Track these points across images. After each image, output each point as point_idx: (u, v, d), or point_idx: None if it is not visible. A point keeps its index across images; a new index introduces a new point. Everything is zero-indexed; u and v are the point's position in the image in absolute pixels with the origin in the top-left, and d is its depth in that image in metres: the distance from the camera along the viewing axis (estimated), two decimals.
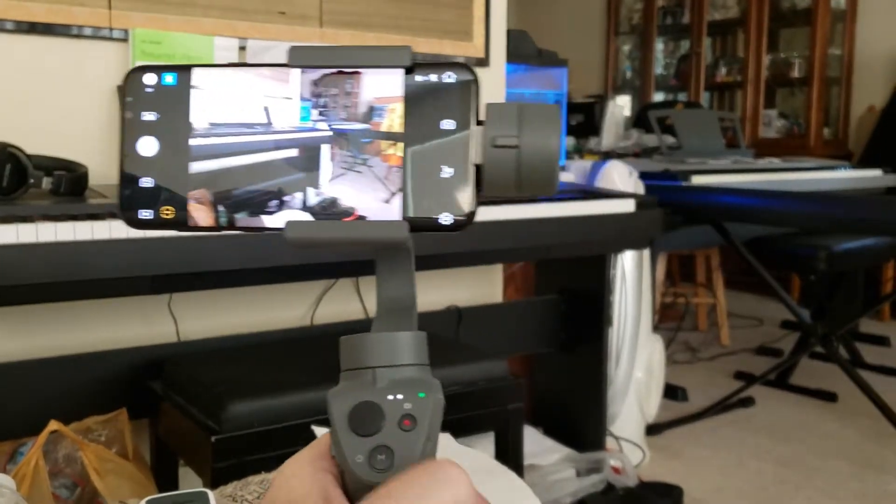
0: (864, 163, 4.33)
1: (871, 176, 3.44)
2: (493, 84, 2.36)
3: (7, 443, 1.58)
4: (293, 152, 0.40)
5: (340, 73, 0.40)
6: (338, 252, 1.50)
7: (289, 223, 0.39)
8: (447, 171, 0.39)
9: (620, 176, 2.48)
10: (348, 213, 0.39)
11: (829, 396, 3.12)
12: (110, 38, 1.76)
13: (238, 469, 1.34)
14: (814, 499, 2.33)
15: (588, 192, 2.15)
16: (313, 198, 0.39)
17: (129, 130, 0.41)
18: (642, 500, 2.17)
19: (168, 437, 1.64)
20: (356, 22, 2.06)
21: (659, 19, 5.68)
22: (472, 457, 1.01)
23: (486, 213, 1.78)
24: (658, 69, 5.79)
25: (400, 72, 0.39)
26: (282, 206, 0.39)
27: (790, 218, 2.55)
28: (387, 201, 0.39)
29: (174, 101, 0.40)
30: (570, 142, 3.45)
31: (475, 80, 0.39)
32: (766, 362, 3.50)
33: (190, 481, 1.68)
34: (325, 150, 0.39)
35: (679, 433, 2.80)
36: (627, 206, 2.05)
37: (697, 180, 2.79)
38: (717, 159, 3.31)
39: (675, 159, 3.18)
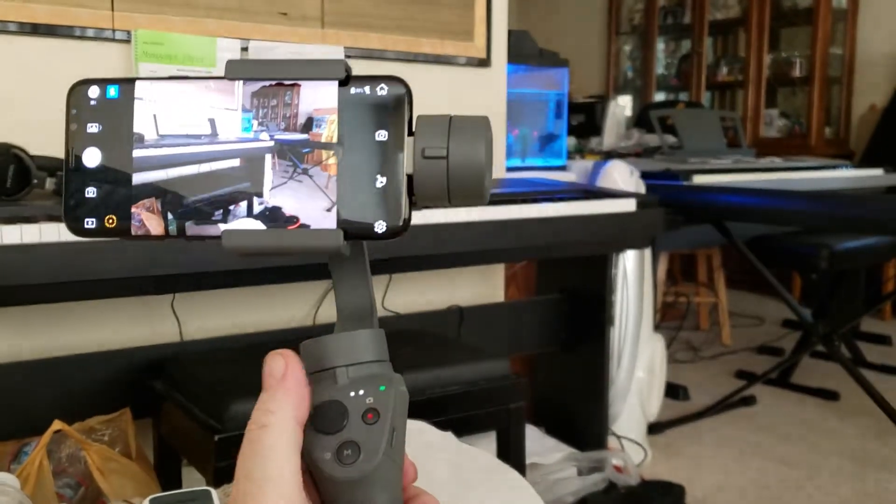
0: (865, 162, 4.34)
1: (873, 175, 3.44)
2: (495, 84, 2.37)
3: (11, 442, 1.59)
4: (237, 162, 0.41)
5: (280, 85, 0.41)
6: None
7: (225, 232, 0.40)
8: (381, 181, 0.40)
9: (622, 176, 2.48)
10: (292, 221, 0.40)
11: (831, 395, 3.12)
12: (113, 40, 1.77)
13: None
14: (815, 497, 2.33)
15: (589, 192, 2.15)
16: (257, 206, 0.40)
17: (74, 142, 0.42)
18: (644, 499, 2.17)
19: (171, 436, 1.65)
20: (358, 23, 2.06)
21: (660, 19, 5.69)
22: (474, 456, 1.01)
23: (488, 213, 1.78)
24: (659, 69, 5.80)
25: (334, 84, 0.40)
26: (228, 214, 0.40)
27: (791, 217, 2.55)
28: (328, 210, 0.40)
29: (117, 114, 0.42)
30: (571, 142, 3.45)
31: (408, 93, 0.40)
32: (768, 361, 3.51)
33: (193, 480, 1.69)
34: (268, 159, 0.40)
35: (681, 432, 2.80)
36: (629, 205, 2.05)
37: (699, 180, 2.80)
38: (718, 159, 3.31)
39: (676, 159, 3.18)
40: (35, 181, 1.45)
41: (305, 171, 0.40)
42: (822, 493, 2.36)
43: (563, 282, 2.41)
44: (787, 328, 4.08)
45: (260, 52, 1.91)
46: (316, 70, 0.40)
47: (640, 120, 4.12)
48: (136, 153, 0.41)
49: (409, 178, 0.40)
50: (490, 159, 0.40)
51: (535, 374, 2.56)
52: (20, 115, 1.70)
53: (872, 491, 2.37)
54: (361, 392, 0.41)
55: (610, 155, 3.19)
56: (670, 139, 3.38)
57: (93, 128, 0.42)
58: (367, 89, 0.40)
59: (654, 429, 2.73)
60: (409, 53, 2.16)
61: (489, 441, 1.76)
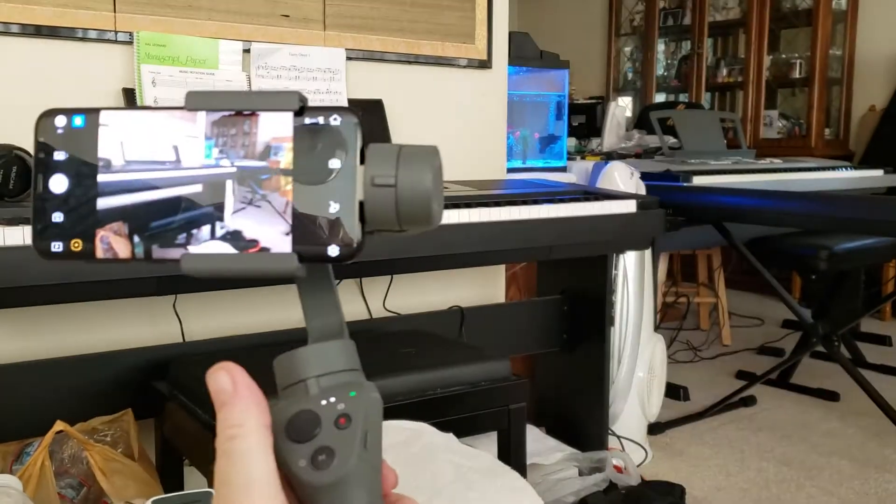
0: (865, 163, 4.34)
1: (873, 176, 3.45)
2: (496, 86, 2.38)
3: (13, 443, 1.60)
4: (200, 188, 0.42)
5: (239, 114, 0.42)
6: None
7: (183, 256, 0.42)
8: (334, 207, 0.41)
9: (622, 177, 2.49)
10: (252, 244, 0.41)
11: (831, 395, 3.12)
12: (115, 41, 1.77)
13: None
14: (815, 497, 2.34)
15: (590, 193, 2.16)
16: (219, 230, 0.42)
17: (41, 168, 0.43)
18: (644, 499, 2.17)
19: (173, 436, 1.65)
20: (359, 25, 2.07)
21: (660, 20, 5.69)
22: (475, 457, 1.02)
23: (489, 215, 1.79)
24: (659, 70, 5.80)
25: (290, 114, 0.42)
26: (191, 238, 0.42)
27: (791, 218, 2.56)
28: (287, 234, 0.41)
29: (83, 141, 0.43)
30: (571, 143, 3.46)
31: (358, 123, 0.42)
32: (768, 361, 3.51)
33: (195, 481, 1.69)
34: (229, 185, 0.42)
35: (681, 432, 2.81)
36: (629, 206, 2.06)
37: (699, 181, 2.80)
38: (718, 160, 3.32)
39: (676, 160, 3.19)
40: None
41: (264, 197, 0.42)
42: (823, 493, 2.36)
43: (564, 282, 2.42)
44: (787, 328, 4.09)
45: (262, 54, 1.91)
46: (271, 102, 0.42)
47: (641, 121, 4.13)
48: (102, 178, 0.43)
49: (361, 204, 0.42)
50: (438, 186, 0.42)
51: (535, 374, 2.57)
52: (23, 117, 1.70)
53: (872, 491, 2.37)
54: (333, 399, 0.42)
55: (610, 156, 3.20)
56: (670, 140, 3.39)
57: (59, 155, 0.43)
58: (320, 119, 0.42)
59: (655, 429, 2.73)
60: (410, 55, 2.17)
61: (490, 441, 1.77)
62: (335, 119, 0.42)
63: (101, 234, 0.42)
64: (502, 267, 2.46)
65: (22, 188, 1.44)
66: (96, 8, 1.74)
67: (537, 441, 2.29)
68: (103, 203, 0.42)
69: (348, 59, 2.04)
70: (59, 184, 0.43)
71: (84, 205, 0.43)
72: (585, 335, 2.36)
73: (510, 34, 2.42)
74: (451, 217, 1.73)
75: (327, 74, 1.98)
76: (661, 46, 5.81)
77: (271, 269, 0.41)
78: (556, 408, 2.50)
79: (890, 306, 4.41)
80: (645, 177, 2.63)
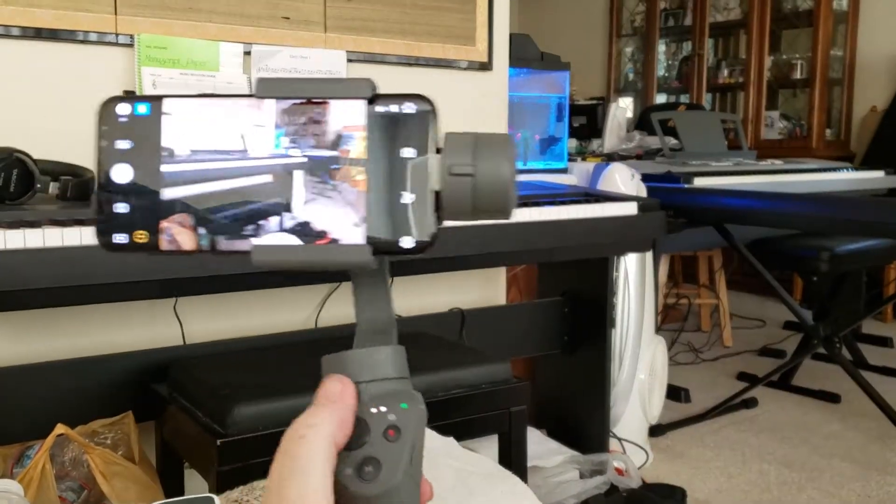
0: (866, 164, 4.34)
1: (874, 177, 3.44)
2: (496, 88, 2.37)
3: (14, 446, 1.59)
4: (268, 178, 0.41)
5: (309, 102, 0.41)
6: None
7: (255, 247, 0.41)
8: (408, 197, 0.40)
9: (623, 178, 2.49)
10: (321, 235, 0.41)
11: (832, 397, 3.12)
12: (116, 44, 1.77)
13: (243, 472, 1.35)
14: (817, 500, 2.33)
15: (591, 195, 2.15)
16: (288, 221, 0.41)
17: (104, 158, 0.42)
18: (646, 502, 2.17)
19: (174, 440, 1.65)
20: (359, 27, 2.07)
21: (661, 21, 5.69)
22: (475, 462, 1.01)
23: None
24: (660, 71, 5.80)
25: (363, 102, 0.41)
26: (259, 229, 0.41)
27: (792, 220, 2.55)
28: (357, 224, 0.41)
29: (147, 130, 0.42)
30: (572, 144, 3.46)
31: (433, 111, 0.41)
32: (769, 363, 3.51)
33: (195, 484, 1.69)
34: (298, 175, 0.41)
35: (682, 434, 2.81)
36: (630, 209, 2.06)
37: (700, 182, 2.80)
38: (719, 161, 3.31)
39: (677, 161, 3.19)
40: (38, 186, 1.45)
41: (335, 187, 0.41)
42: (824, 495, 2.36)
43: (565, 284, 2.42)
44: (789, 330, 4.08)
45: (262, 56, 1.91)
46: (344, 89, 0.41)
47: (641, 122, 4.12)
48: (166, 168, 0.42)
49: (436, 194, 0.41)
50: (514, 175, 0.41)
51: (536, 376, 2.56)
52: (24, 120, 1.70)
53: (874, 493, 2.37)
54: (383, 409, 0.42)
55: (611, 157, 3.20)
56: (671, 141, 3.39)
57: (123, 144, 0.42)
58: (393, 107, 0.41)
59: (656, 431, 2.73)
60: (410, 57, 2.17)
61: (491, 444, 1.77)
62: (409, 107, 0.41)
63: (165, 225, 0.42)
64: (503, 269, 2.46)
65: (22, 191, 1.44)
66: (97, 10, 1.74)
67: (538, 443, 2.29)
68: (168, 193, 0.41)
69: (349, 61, 2.04)
70: (122, 173, 0.42)
71: (148, 195, 0.42)
72: (586, 337, 2.36)
73: (511, 36, 2.41)
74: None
75: (328, 76, 1.98)
76: (661, 47, 5.81)
77: (345, 260, 0.41)
78: (557, 410, 2.50)
79: (891, 308, 4.41)
80: (646, 178, 2.63)
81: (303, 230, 0.41)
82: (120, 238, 0.42)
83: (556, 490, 2.11)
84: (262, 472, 0.93)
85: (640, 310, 2.49)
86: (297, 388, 1.51)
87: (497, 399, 1.68)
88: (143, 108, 0.42)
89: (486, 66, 2.31)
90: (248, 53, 1.91)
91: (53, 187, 1.48)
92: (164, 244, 0.42)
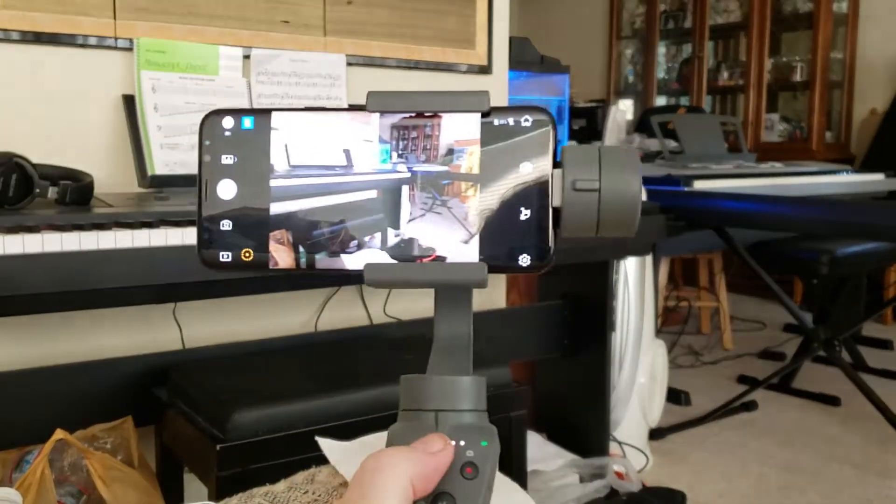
0: (866, 166, 4.34)
1: (874, 180, 3.44)
2: (496, 91, 2.37)
3: (13, 451, 1.59)
4: (373, 194, 0.40)
5: (420, 116, 0.40)
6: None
7: (367, 266, 0.40)
8: (525, 213, 0.39)
9: None
10: (427, 253, 0.40)
11: (832, 400, 3.12)
12: (115, 48, 1.77)
13: (243, 477, 1.35)
14: (816, 503, 2.33)
15: None
16: (392, 238, 0.40)
17: (208, 173, 0.41)
18: None
19: (173, 444, 1.65)
20: (359, 31, 2.07)
21: (661, 23, 5.69)
22: None
23: None
24: (660, 73, 5.80)
25: (477, 116, 0.40)
26: (361, 246, 0.40)
27: (792, 223, 2.55)
28: (466, 242, 0.39)
29: (253, 144, 0.41)
30: None
31: (552, 124, 0.40)
32: (769, 366, 3.51)
33: (195, 489, 1.69)
34: (405, 191, 0.40)
35: (682, 438, 2.80)
36: None
37: (700, 185, 2.80)
38: (719, 164, 3.31)
39: (677, 164, 3.18)
40: (37, 190, 1.45)
41: (444, 203, 0.40)
42: (824, 498, 2.35)
43: (565, 288, 2.41)
44: (789, 333, 4.08)
45: (262, 60, 1.91)
46: (458, 102, 0.40)
47: (641, 124, 4.12)
48: (273, 184, 0.41)
49: (556, 210, 0.39)
50: (642, 192, 0.40)
51: (536, 380, 2.56)
52: (23, 124, 1.70)
53: (874, 497, 2.36)
54: (462, 443, 0.41)
55: None
56: (671, 144, 3.39)
57: (227, 159, 0.41)
58: (510, 120, 0.40)
59: (656, 434, 2.73)
60: (410, 61, 2.17)
61: None
62: (526, 120, 0.40)
63: (270, 242, 0.41)
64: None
65: (22, 196, 1.44)
66: (96, 15, 1.74)
67: (538, 447, 2.29)
68: (275, 210, 0.40)
69: (348, 64, 2.03)
70: (227, 189, 0.41)
71: (255, 212, 0.40)
72: (586, 341, 2.36)
73: (510, 39, 2.41)
74: None
75: (327, 80, 1.98)
76: (661, 49, 5.81)
77: (460, 280, 0.40)
78: (556, 414, 2.50)
79: (891, 310, 4.40)
80: (646, 181, 2.62)
81: (408, 247, 0.40)
82: (225, 256, 0.41)
83: (557, 494, 2.10)
84: (262, 476, 0.93)
85: (640, 313, 2.49)
86: (298, 393, 1.51)
87: (497, 403, 1.68)
88: (248, 123, 0.41)
89: (485, 70, 2.31)
90: (247, 57, 1.91)
91: (52, 192, 1.48)
92: (271, 263, 0.41)
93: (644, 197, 2.51)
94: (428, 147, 0.40)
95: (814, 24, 4.89)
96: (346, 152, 0.40)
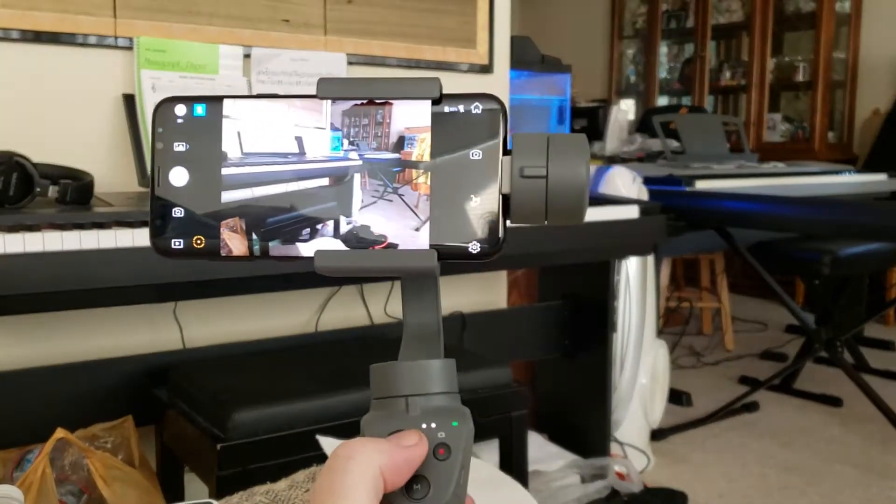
0: (868, 167, 4.33)
1: (876, 180, 3.44)
2: (497, 91, 2.37)
3: (14, 450, 1.59)
4: (325, 181, 0.40)
5: (371, 103, 0.40)
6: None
7: (318, 252, 0.40)
8: (475, 201, 0.39)
9: (624, 181, 2.48)
10: (379, 241, 0.40)
11: (834, 401, 3.11)
12: (115, 47, 1.77)
13: (243, 477, 1.35)
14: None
15: (592, 198, 2.15)
16: (345, 226, 0.40)
17: (160, 161, 0.41)
18: None
19: (174, 444, 1.64)
20: (360, 30, 2.06)
21: (663, 23, 5.69)
22: (475, 468, 1.01)
23: None
24: (662, 73, 5.79)
25: (428, 103, 0.40)
26: (314, 234, 0.40)
27: (794, 223, 2.55)
28: (417, 229, 0.40)
29: (205, 132, 0.41)
30: None
31: (503, 111, 0.40)
32: (771, 367, 3.50)
33: (195, 488, 1.69)
34: (357, 178, 0.40)
35: (683, 438, 2.80)
36: (631, 212, 2.05)
37: (701, 185, 2.79)
38: (721, 164, 3.31)
39: (679, 164, 3.18)
40: (38, 189, 1.45)
41: (395, 191, 0.40)
42: (825, 499, 2.35)
43: (566, 288, 2.41)
44: (791, 334, 4.08)
45: (262, 59, 1.91)
46: (409, 89, 0.40)
47: (643, 124, 4.11)
48: (225, 172, 0.41)
49: (505, 197, 0.39)
50: (589, 177, 0.40)
51: (537, 380, 2.56)
52: (23, 123, 1.70)
53: (875, 498, 2.36)
54: (434, 425, 0.41)
55: (612, 160, 3.19)
56: (673, 144, 3.38)
57: (179, 146, 0.41)
58: (461, 107, 0.40)
59: (657, 435, 2.72)
60: (410, 60, 2.16)
61: (492, 448, 1.76)
62: (476, 107, 0.40)
63: (222, 230, 0.41)
64: (503, 272, 2.45)
65: (22, 195, 1.44)
66: (96, 13, 1.73)
67: (539, 448, 2.29)
68: (227, 197, 0.41)
69: (349, 63, 2.03)
70: (179, 177, 0.41)
71: (207, 199, 0.41)
72: (587, 341, 2.36)
73: (512, 38, 2.41)
74: None
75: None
76: (663, 49, 5.80)
77: (410, 266, 0.40)
78: (558, 414, 2.49)
79: (893, 311, 4.40)
80: (647, 181, 2.62)
81: (360, 234, 0.40)
82: (177, 244, 0.41)
83: (558, 494, 2.10)
84: (262, 476, 0.93)
85: (641, 313, 2.49)
86: (298, 393, 1.51)
87: (498, 403, 1.68)
88: (200, 110, 0.41)
89: (486, 69, 2.31)
90: (247, 56, 1.90)
91: (53, 191, 1.48)
92: (222, 250, 0.41)
93: (646, 196, 2.51)
94: (379, 134, 0.40)
95: (816, 23, 4.89)
96: (299, 139, 0.41)
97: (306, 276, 1.63)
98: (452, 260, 0.40)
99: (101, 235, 1.37)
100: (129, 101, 1.76)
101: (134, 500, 1.49)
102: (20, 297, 1.35)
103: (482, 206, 0.39)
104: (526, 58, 2.66)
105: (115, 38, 1.76)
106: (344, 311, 2.10)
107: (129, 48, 1.78)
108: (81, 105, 1.76)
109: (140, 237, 1.39)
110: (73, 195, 1.50)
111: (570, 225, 0.40)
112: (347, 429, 1.45)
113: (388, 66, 2.13)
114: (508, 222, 0.40)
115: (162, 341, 1.85)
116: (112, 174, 1.78)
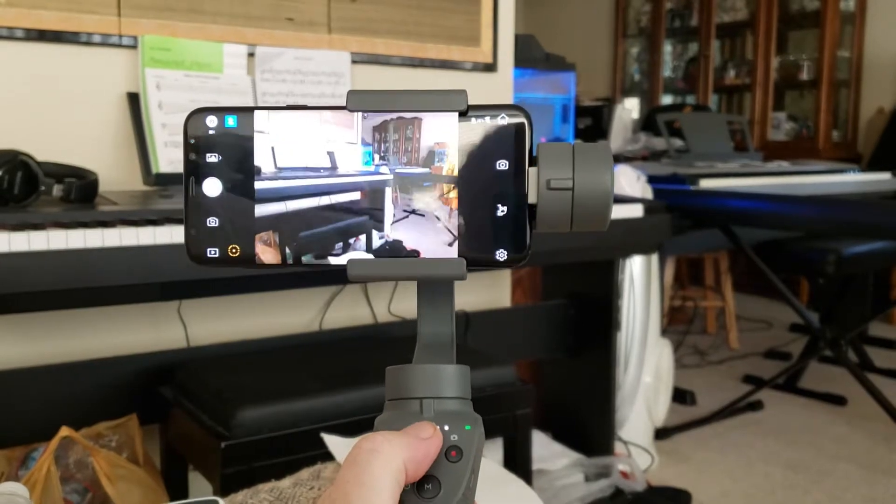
0: (873, 165, 4.32)
1: (881, 179, 3.43)
2: (501, 89, 2.37)
3: (19, 448, 1.59)
4: (357, 196, 0.41)
5: (401, 119, 0.41)
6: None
7: (350, 262, 0.40)
8: (502, 210, 0.40)
9: (628, 180, 2.48)
10: (413, 255, 0.41)
11: (838, 400, 3.11)
12: (120, 46, 1.77)
13: (247, 475, 1.35)
14: (822, 503, 2.32)
15: None
16: (377, 240, 0.41)
17: (193, 171, 0.42)
18: None
19: (178, 442, 1.65)
20: (364, 28, 2.06)
21: (667, 22, 5.68)
22: (480, 465, 1.01)
23: None
24: (666, 72, 5.79)
25: (455, 115, 0.40)
26: (346, 248, 0.41)
27: (799, 222, 2.54)
28: (450, 244, 0.40)
29: (237, 144, 0.42)
30: None
31: (528, 122, 0.40)
32: (775, 366, 3.50)
33: (200, 487, 1.69)
34: (388, 193, 0.41)
35: (687, 437, 2.80)
36: (636, 211, 2.05)
37: (706, 184, 2.79)
38: (725, 162, 3.30)
39: (683, 162, 3.18)
40: (43, 188, 1.45)
41: (427, 205, 0.40)
42: (830, 498, 2.35)
43: (570, 287, 2.41)
44: (795, 333, 4.07)
45: (266, 58, 1.91)
46: (437, 101, 0.41)
47: (647, 123, 4.11)
48: (259, 184, 0.41)
49: (531, 206, 0.40)
50: (613, 187, 0.41)
51: (541, 379, 2.56)
52: (27, 122, 1.70)
53: (880, 497, 2.36)
54: (447, 428, 0.41)
55: (617, 158, 3.19)
56: (677, 143, 3.38)
57: (212, 157, 0.42)
58: (487, 119, 0.40)
59: (661, 434, 2.72)
60: (414, 59, 2.16)
61: (496, 447, 1.76)
62: (502, 118, 0.40)
63: (256, 243, 0.41)
64: (507, 271, 2.45)
65: (27, 193, 1.44)
66: (100, 12, 1.74)
67: (543, 446, 2.29)
68: (260, 210, 0.41)
69: (353, 62, 2.03)
70: (212, 187, 0.42)
71: (241, 210, 0.41)
72: (591, 340, 2.35)
73: (516, 36, 2.41)
74: None
75: (332, 78, 1.98)
76: (667, 48, 5.79)
77: (439, 274, 0.41)
78: (562, 413, 2.49)
79: None
80: (651, 180, 2.62)
81: (392, 249, 0.40)
82: (212, 252, 0.42)
83: (561, 493, 2.10)
84: (266, 474, 0.93)
85: (645, 312, 2.49)
86: (302, 391, 1.51)
87: (502, 402, 1.68)
88: (231, 121, 0.42)
89: (490, 67, 2.31)
90: (251, 55, 1.91)
91: (57, 189, 1.48)
92: (258, 259, 0.41)
93: (650, 195, 2.51)
94: (409, 149, 0.41)
95: (821, 22, 4.88)
96: (331, 154, 0.41)
97: (310, 275, 1.63)
98: (479, 268, 0.40)
99: (106, 234, 1.37)
100: (134, 99, 1.76)
101: (138, 498, 1.49)
102: (25, 296, 1.35)
103: (509, 215, 0.40)
104: (530, 56, 2.66)
105: (120, 36, 1.77)
106: (348, 310, 2.10)
107: (134, 47, 1.78)
108: (86, 104, 1.76)
109: (144, 236, 1.39)
110: (78, 194, 1.50)
111: (593, 230, 0.41)
112: (352, 427, 1.45)
113: (392, 64, 2.13)
114: (534, 230, 0.41)
115: (166, 340, 1.85)
116: (116, 173, 1.78)
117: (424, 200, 0.40)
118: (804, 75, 5.06)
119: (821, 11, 4.87)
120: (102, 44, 1.76)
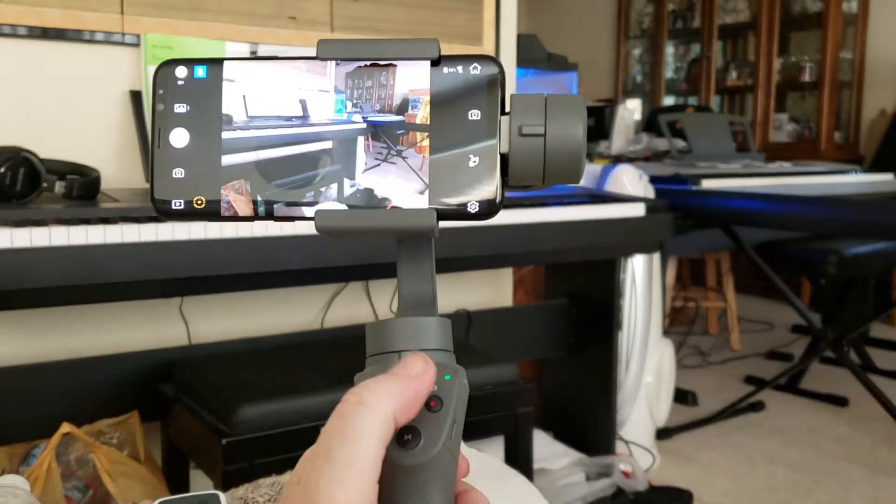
0: (875, 167, 4.32)
1: (883, 180, 3.43)
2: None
3: (20, 445, 1.60)
4: (329, 144, 0.40)
5: (375, 65, 0.40)
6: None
7: (318, 212, 0.40)
8: (474, 160, 0.40)
9: (630, 180, 2.48)
10: (383, 204, 0.40)
11: (840, 401, 3.11)
12: (122, 43, 1.77)
13: (248, 472, 1.35)
14: (824, 503, 2.32)
15: (598, 197, 2.15)
16: (348, 189, 0.40)
17: (160, 122, 0.41)
18: None
19: (179, 439, 1.65)
20: (366, 27, 2.07)
21: (669, 23, 5.68)
22: (482, 460, 1.01)
23: (496, 218, 1.78)
24: (668, 73, 5.79)
25: (426, 64, 0.40)
26: (318, 196, 0.40)
27: (800, 222, 2.54)
28: (421, 192, 0.40)
29: (206, 94, 0.41)
30: None
31: (501, 72, 0.40)
32: (777, 366, 3.49)
33: (201, 483, 1.69)
34: (360, 141, 0.40)
35: (689, 437, 2.80)
36: (637, 210, 2.05)
37: (707, 184, 2.79)
38: (727, 163, 3.30)
39: (685, 163, 3.18)
40: (45, 184, 1.46)
41: (399, 153, 0.40)
42: (831, 498, 2.34)
43: (572, 286, 2.41)
44: (797, 333, 4.07)
45: None
46: (408, 49, 0.40)
47: (649, 124, 4.10)
48: (226, 134, 0.41)
49: (504, 157, 0.40)
50: (586, 136, 0.40)
51: (543, 378, 2.56)
52: (30, 119, 1.70)
53: (882, 497, 2.35)
54: None
55: (618, 159, 3.19)
56: (679, 143, 3.38)
57: (180, 108, 0.41)
58: (459, 69, 0.40)
59: (663, 434, 2.72)
60: None
61: (497, 446, 1.76)
62: (475, 68, 0.40)
63: (223, 191, 0.41)
64: (509, 270, 2.45)
65: (29, 190, 1.44)
66: (103, 10, 1.74)
67: (544, 446, 2.29)
68: (227, 160, 0.41)
69: None
70: (179, 138, 0.41)
71: (207, 160, 0.41)
72: (593, 339, 2.35)
73: (518, 36, 2.41)
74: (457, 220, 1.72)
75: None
76: (670, 49, 5.79)
77: (409, 225, 0.40)
78: (563, 412, 2.49)
79: None
80: (653, 180, 2.62)
81: (364, 198, 0.40)
82: (177, 203, 0.41)
83: (563, 492, 2.10)
84: (267, 471, 0.92)
85: (647, 312, 2.49)
86: (303, 389, 1.51)
87: (503, 401, 1.68)
88: (200, 72, 0.41)
89: None
90: (254, 53, 1.91)
91: (60, 186, 1.49)
92: (222, 210, 0.41)
93: (652, 195, 2.51)
94: (383, 97, 0.40)
95: (823, 23, 4.87)
96: (303, 102, 0.41)
97: (313, 273, 1.63)
98: (451, 220, 0.40)
99: (108, 231, 1.37)
100: (136, 97, 1.77)
101: (139, 495, 1.49)
102: (26, 292, 1.35)
103: (481, 165, 0.39)
104: (532, 56, 2.66)
105: (122, 34, 1.77)
106: (350, 309, 2.10)
107: (136, 45, 1.78)
108: (88, 101, 1.76)
109: (146, 233, 1.40)
110: (80, 191, 1.51)
111: (566, 184, 0.41)
112: None
113: None
114: (507, 182, 0.41)
115: (168, 337, 1.85)
116: (119, 170, 1.78)
117: (397, 148, 0.40)
118: (806, 77, 5.05)
119: (823, 13, 4.87)
120: (105, 42, 1.76)
